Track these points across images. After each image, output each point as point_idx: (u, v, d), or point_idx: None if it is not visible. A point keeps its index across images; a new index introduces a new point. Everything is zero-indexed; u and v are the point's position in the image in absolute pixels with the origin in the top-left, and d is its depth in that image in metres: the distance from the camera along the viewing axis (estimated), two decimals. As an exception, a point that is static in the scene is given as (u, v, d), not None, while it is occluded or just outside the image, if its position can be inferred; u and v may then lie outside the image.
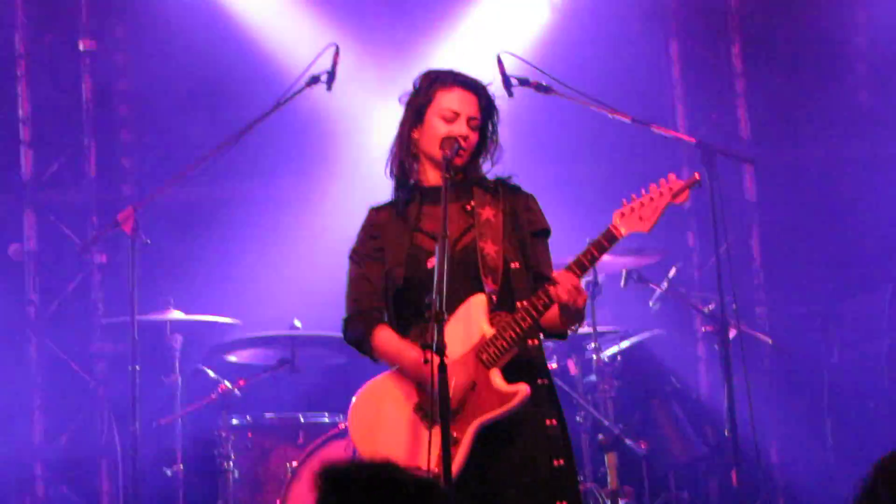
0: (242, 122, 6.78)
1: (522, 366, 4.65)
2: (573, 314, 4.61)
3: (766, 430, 8.54)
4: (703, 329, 8.79)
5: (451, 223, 4.65)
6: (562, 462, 4.66)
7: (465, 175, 4.86)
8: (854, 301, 8.74)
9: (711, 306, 7.65)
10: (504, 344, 4.57)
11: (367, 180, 8.42)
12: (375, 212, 4.93)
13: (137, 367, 6.81)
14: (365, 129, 8.53)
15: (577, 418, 7.41)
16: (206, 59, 8.91)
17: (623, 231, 4.60)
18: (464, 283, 4.66)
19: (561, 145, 9.05)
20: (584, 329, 7.51)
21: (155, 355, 7.55)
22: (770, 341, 8.18)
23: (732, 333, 7.07)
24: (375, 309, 4.80)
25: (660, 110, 9.20)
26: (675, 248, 8.73)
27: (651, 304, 7.97)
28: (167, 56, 8.92)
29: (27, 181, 8.98)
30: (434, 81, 4.86)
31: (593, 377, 7.62)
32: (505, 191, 4.87)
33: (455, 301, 4.59)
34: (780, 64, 9.28)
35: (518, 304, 4.62)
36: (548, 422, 4.68)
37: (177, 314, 7.64)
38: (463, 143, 4.76)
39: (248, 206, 8.94)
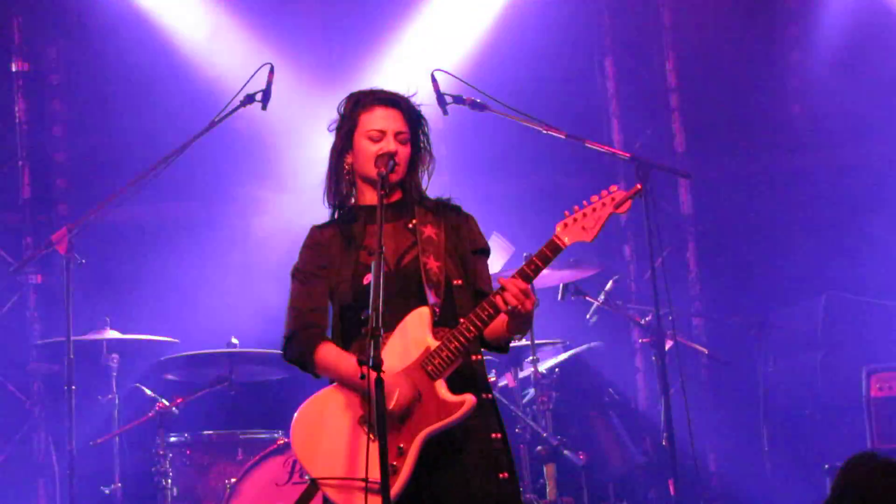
0: (178, 142, 6.78)
1: (467, 380, 4.68)
2: (522, 320, 4.62)
3: (704, 439, 8.63)
4: (640, 341, 8.88)
5: (393, 241, 4.71)
6: (506, 475, 4.68)
7: (404, 193, 4.87)
8: (788, 311, 8.84)
9: (648, 318, 7.71)
10: (449, 355, 4.59)
11: (303, 198, 8.48)
12: (319, 230, 4.91)
13: (74, 387, 6.78)
14: (300, 146, 8.55)
15: (516, 430, 7.44)
16: (140, 78, 8.88)
17: (566, 241, 4.61)
18: (407, 299, 4.68)
19: (497, 161, 9.10)
20: (522, 342, 7.55)
21: (92, 375, 7.51)
22: (706, 351, 8.24)
23: (669, 344, 7.13)
24: (317, 326, 4.79)
25: (596, 126, 9.28)
26: (611, 261, 8.81)
27: (588, 316, 8.03)
28: (102, 76, 8.90)
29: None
30: (356, 105, 4.87)
31: (531, 390, 7.65)
32: (446, 210, 4.89)
33: (399, 316, 4.62)
34: (713, 77, 9.38)
35: (461, 318, 4.63)
36: (493, 435, 4.71)
37: (113, 333, 7.60)
38: (385, 155, 4.77)
39: (184, 226, 8.92)
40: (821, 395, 8.53)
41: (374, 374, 4.23)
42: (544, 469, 7.30)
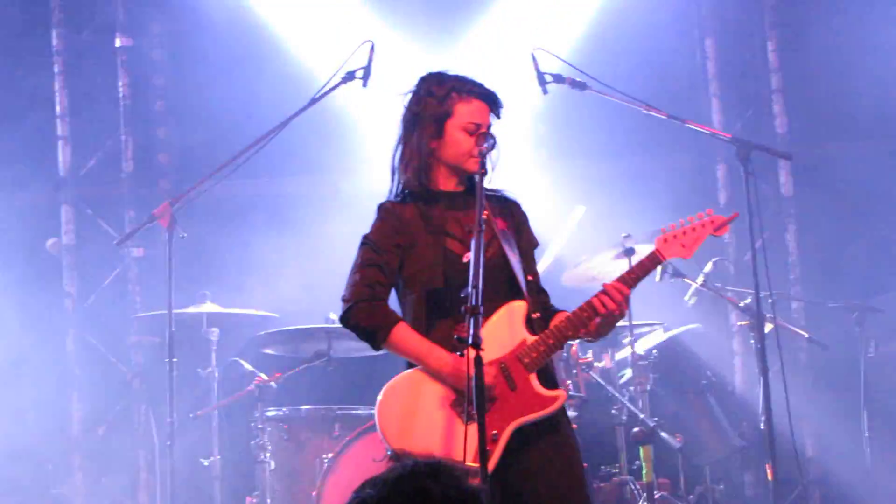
0: (279, 117, 6.82)
1: (548, 375, 4.79)
2: (613, 323, 4.79)
3: (802, 423, 8.53)
4: (738, 323, 8.79)
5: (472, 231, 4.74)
6: (583, 467, 4.87)
7: (472, 184, 4.87)
8: (891, 295, 8.70)
9: (747, 301, 7.64)
10: (546, 350, 4.70)
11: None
12: (397, 206, 4.92)
13: (174, 360, 6.87)
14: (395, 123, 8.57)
15: (613, 410, 7.42)
16: (242, 55, 8.95)
17: (665, 256, 4.87)
18: (497, 289, 4.70)
19: (595, 141, 9.06)
20: (621, 322, 7.51)
21: (192, 348, 7.60)
22: (806, 335, 8.15)
23: (768, 328, 7.06)
24: (386, 300, 4.83)
25: (696, 106, 9.19)
26: (710, 242, 8.71)
27: (687, 298, 7.97)
28: (203, 53, 8.97)
29: (64, 176, 9.06)
30: (451, 91, 4.89)
31: (628, 370, 7.62)
32: (508, 203, 4.99)
33: (490, 305, 4.61)
34: (815, 59, 9.24)
35: (559, 318, 4.75)
36: (574, 426, 4.97)
37: (213, 307, 7.69)
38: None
39: (284, 201, 8.99)
40: (923, 381, 8.41)
41: (473, 353, 4.24)
42: (641, 451, 7.27)
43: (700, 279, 7.82)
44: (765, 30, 9.38)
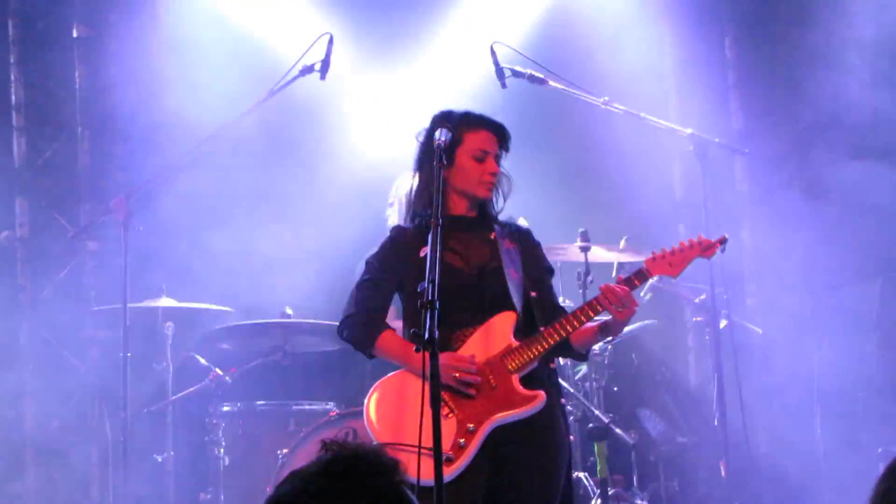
0: (235, 110, 6.79)
1: (543, 383, 5.07)
2: (620, 324, 5.10)
3: (756, 420, 8.57)
4: (693, 319, 8.82)
5: (476, 250, 5.16)
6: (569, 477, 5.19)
7: (482, 211, 5.27)
8: (844, 292, 8.75)
9: (702, 297, 7.67)
10: (531, 354, 4.98)
11: (357, 172, 8.55)
12: (400, 231, 5.27)
13: (129, 354, 6.82)
14: (355, 120, 8.57)
15: (568, 407, 7.43)
16: (198, 46, 8.89)
17: (653, 273, 5.18)
18: (492, 301, 5.08)
19: (554, 137, 9.07)
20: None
21: (147, 342, 7.56)
22: (760, 331, 8.20)
23: (723, 324, 7.09)
24: (381, 313, 5.18)
25: (653, 101, 9.20)
26: (666, 239, 8.74)
27: (642, 294, 7.99)
28: (160, 44, 8.91)
29: (19, 167, 8.97)
30: (460, 124, 5.20)
31: (584, 366, 7.64)
32: (519, 231, 5.33)
33: (481, 317, 5.06)
34: (772, 55, 9.28)
35: (546, 327, 5.02)
36: (570, 438, 5.29)
37: (169, 301, 7.64)
38: (492, 178, 5.20)
39: (238, 195, 8.94)
40: (875, 378, 8.46)
41: (429, 349, 4.35)
42: (595, 447, 7.29)
43: (655, 277, 7.84)
44: (723, 24, 9.40)
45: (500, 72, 6.60)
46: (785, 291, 8.72)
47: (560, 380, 7.37)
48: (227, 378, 7.36)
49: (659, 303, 8.19)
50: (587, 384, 7.56)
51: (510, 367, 4.97)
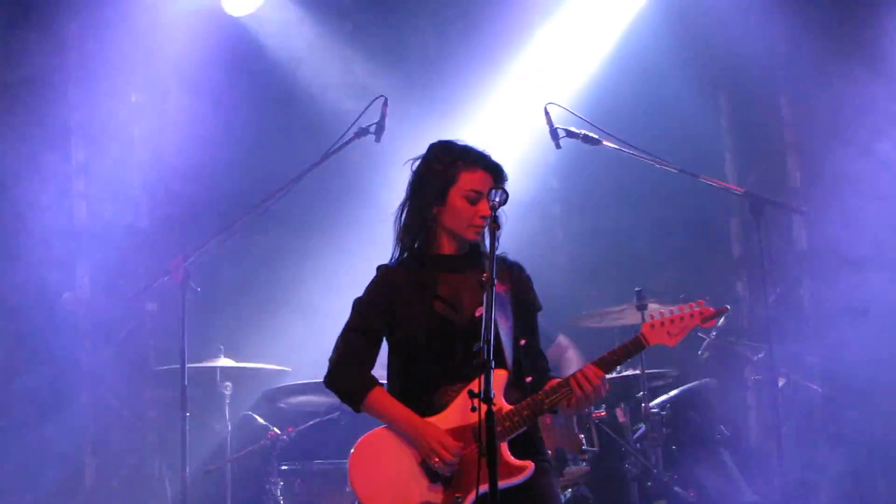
0: (292, 172, 6.86)
1: (529, 441, 4.91)
2: (590, 403, 4.88)
3: (817, 478, 8.47)
4: (753, 377, 8.76)
5: (468, 292, 4.91)
6: None
7: (474, 249, 5.04)
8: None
9: (761, 355, 7.63)
10: (519, 420, 4.80)
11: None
12: (390, 271, 5.06)
13: (188, 414, 6.87)
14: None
15: (626, 465, 7.40)
16: (257, 111, 8.99)
17: (650, 342, 4.92)
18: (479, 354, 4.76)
19: (607, 195, 9.08)
20: (634, 371, 7.53)
21: (205, 402, 7.61)
22: (820, 390, 8.12)
23: (782, 382, 7.05)
24: (368, 363, 5.02)
25: (709, 160, 9.20)
26: (723, 297, 8.71)
27: (700, 352, 7.96)
28: (217, 111, 8.99)
29: (80, 230, 9.06)
30: (457, 160, 5.01)
31: (642, 425, 7.60)
32: (511, 268, 5.07)
33: (468, 368, 4.63)
34: (826, 112, 9.24)
35: (537, 394, 4.85)
36: (561, 492, 5.20)
37: (227, 361, 7.70)
38: (482, 221, 4.91)
39: (295, 254, 9.00)
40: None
41: (485, 407, 4.29)
42: (654, 505, 7.26)
43: (713, 333, 7.82)
44: (777, 83, 9.38)
45: (554, 132, 6.63)
46: (845, 348, 8.63)
47: (617, 437, 7.40)
48: (285, 437, 7.38)
49: (718, 360, 8.15)
50: (645, 442, 7.52)
51: (499, 433, 4.71)
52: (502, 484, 4.65)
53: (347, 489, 7.23)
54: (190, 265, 6.86)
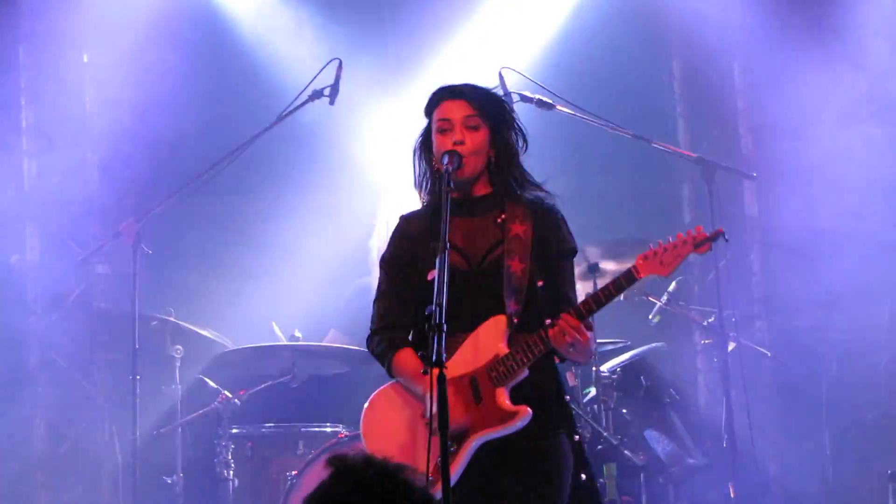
0: (245, 135, 6.83)
1: (546, 384, 4.83)
2: (577, 352, 4.71)
3: (765, 442, 8.56)
4: (702, 342, 8.82)
5: (480, 236, 4.82)
6: (584, 477, 4.86)
7: (494, 186, 4.92)
8: (853, 315, 8.74)
9: (711, 319, 7.69)
10: (514, 364, 4.68)
11: (364, 194, 8.57)
12: (406, 221, 5.02)
13: (138, 377, 6.84)
14: (362, 142, 8.61)
15: (577, 428, 7.43)
16: (210, 72, 8.93)
17: (642, 273, 4.71)
18: (487, 301, 4.77)
19: (561, 160, 9.08)
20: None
21: (156, 365, 7.58)
22: (769, 354, 8.20)
23: (731, 346, 7.11)
24: (400, 327, 4.92)
25: (661, 126, 9.22)
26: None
27: (651, 316, 8.01)
28: (167, 68, 8.92)
29: (29, 191, 8.99)
30: (429, 105, 4.97)
31: (592, 388, 7.65)
32: (538, 208, 4.92)
33: (477, 314, 4.73)
34: (780, 80, 9.28)
35: (536, 332, 4.70)
36: (577, 437, 4.89)
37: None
38: (461, 148, 4.81)
39: (251, 218, 8.97)
40: (885, 399, 8.46)
41: (436, 371, 4.26)
42: (604, 468, 7.29)
43: (664, 298, 7.87)
44: (731, 50, 9.41)
45: (508, 97, 6.63)
46: (794, 313, 8.71)
47: (569, 401, 7.43)
48: (236, 400, 7.37)
49: (667, 325, 8.20)
50: (596, 406, 7.56)
51: (495, 378, 4.67)
52: (495, 432, 4.65)
53: (298, 452, 7.28)
54: (142, 227, 6.83)
